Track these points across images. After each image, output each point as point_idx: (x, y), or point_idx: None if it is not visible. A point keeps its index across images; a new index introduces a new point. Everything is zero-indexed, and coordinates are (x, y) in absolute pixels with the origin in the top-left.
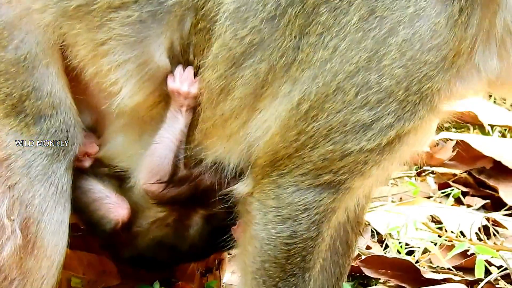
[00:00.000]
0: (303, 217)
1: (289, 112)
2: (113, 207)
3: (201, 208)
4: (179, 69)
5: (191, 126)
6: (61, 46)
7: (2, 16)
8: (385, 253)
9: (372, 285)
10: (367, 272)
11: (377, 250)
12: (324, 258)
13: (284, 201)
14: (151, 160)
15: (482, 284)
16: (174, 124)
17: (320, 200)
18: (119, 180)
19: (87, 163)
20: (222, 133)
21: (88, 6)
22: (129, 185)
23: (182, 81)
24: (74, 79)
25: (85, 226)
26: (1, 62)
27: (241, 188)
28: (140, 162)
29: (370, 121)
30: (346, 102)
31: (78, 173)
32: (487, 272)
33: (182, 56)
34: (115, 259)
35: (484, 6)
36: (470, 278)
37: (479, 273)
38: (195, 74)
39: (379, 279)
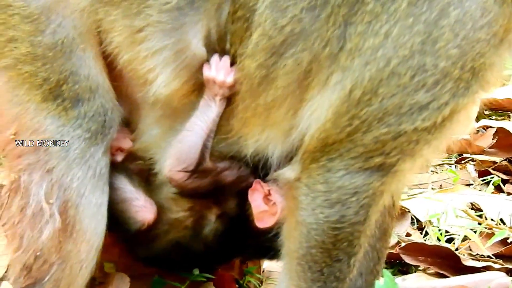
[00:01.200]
0: (353, 201)
1: (341, 100)
2: (140, 210)
3: (216, 206)
4: (215, 57)
5: (226, 116)
6: (97, 31)
7: (40, 1)
8: (424, 240)
9: (412, 272)
10: (407, 259)
11: (416, 237)
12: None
13: (333, 185)
14: (180, 147)
15: None
16: (207, 113)
17: (370, 183)
18: (147, 180)
19: (119, 157)
20: (264, 122)
21: None
22: (154, 185)
23: (218, 70)
24: (108, 66)
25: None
26: (38, 47)
27: (288, 173)
28: (168, 149)
29: (426, 102)
30: (401, 85)
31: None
32: None
33: (218, 45)
34: (131, 255)
35: None
36: (510, 266)
37: None
38: (232, 63)
39: (419, 266)
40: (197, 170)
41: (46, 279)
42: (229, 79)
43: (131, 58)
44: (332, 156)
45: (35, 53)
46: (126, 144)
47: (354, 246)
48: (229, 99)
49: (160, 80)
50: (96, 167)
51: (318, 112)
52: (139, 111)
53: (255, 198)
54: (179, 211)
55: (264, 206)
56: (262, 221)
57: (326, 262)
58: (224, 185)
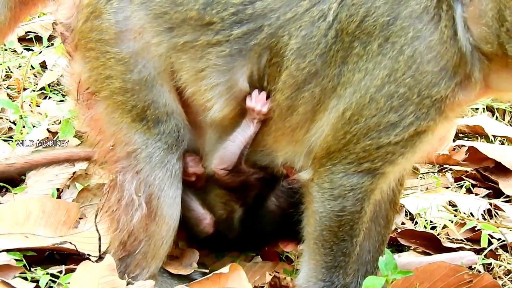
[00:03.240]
0: (350, 196)
1: (337, 119)
2: (203, 222)
3: (241, 200)
4: (255, 92)
5: (263, 134)
6: (171, 70)
7: (130, 48)
8: (415, 227)
9: (405, 251)
10: (402, 241)
11: (409, 225)
12: (369, 229)
13: (336, 184)
14: (224, 152)
15: (485, 252)
16: (246, 130)
17: (362, 182)
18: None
19: (193, 178)
20: (290, 139)
21: (192, 43)
22: (206, 189)
23: (257, 101)
24: (178, 95)
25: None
26: (128, 82)
27: (304, 175)
28: (216, 152)
29: (396, 121)
30: (378, 108)
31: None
32: (490, 243)
33: (258, 82)
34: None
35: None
36: (477, 247)
37: (483, 243)
38: (267, 97)
39: (410, 246)
40: (234, 170)
41: (137, 252)
42: (265, 109)
43: (194, 91)
44: (334, 162)
45: (126, 87)
46: (200, 170)
47: (355, 230)
48: (265, 122)
49: (215, 108)
50: (172, 169)
51: (323, 128)
52: (200, 130)
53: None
54: (219, 205)
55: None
56: (291, 172)
57: (334, 241)
58: (249, 184)
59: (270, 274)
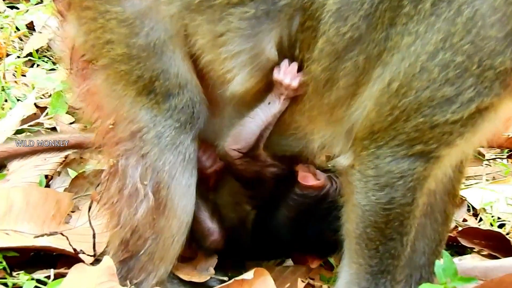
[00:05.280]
0: (400, 184)
1: (381, 91)
2: (212, 236)
3: (252, 200)
4: (285, 62)
5: (291, 114)
6: (184, 34)
7: (135, 7)
8: (479, 225)
9: (467, 254)
10: (463, 242)
11: (472, 222)
12: (423, 226)
13: (382, 170)
14: (240, 129)
15: None
16: (270, 108)
17: (414, 168)
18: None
19: (212, 178)
20: (329, 119)
21: (209, 1)
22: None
23: (286, 74)
24: (193, 62)
25: None
26: (133, 48)
27: (342, 161)
28: (231, 129)
29: (453, 95)
30: (431, 80)
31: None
32: None
33: (289, 51)
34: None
35: None
36: None
37: None
38: (299, 69)
39: (474, 248)
40: (249, 154)
41: (141, 253)
42: (295, 83)
43: (212, 59)
44: (379, 144)
45: (131, 53)
46: (219, 164)
47: (405, 226)
48: (294, 100)
49: (237, 80)
50: (186, 152)
51: (365, 103)
52: (216, 107)
53: (302, 169)
54: (230, 207)
55: (308, 174)
56: (306, 179)
57: (380, 241)
58: (263, 179)
59: (303, 281)
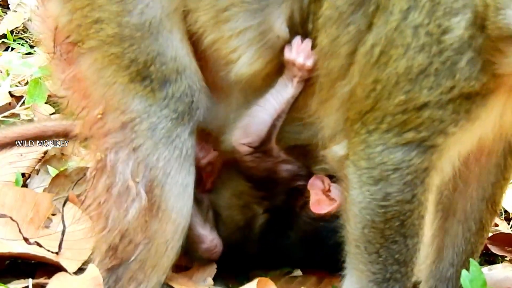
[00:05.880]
0: (395, 178)
1: (364, 58)
2: (209, 248)
3: (264, 201)
4: (297, 40)
5: (303, 99)
6: (183, 11)
7: None
8: (511, 230)
9: (498, 263)
10: (494, 249)
11: (504, 227)
12: (454, 234)
13: (374, 161)
14: (250, 120)
15: None
16: (282, 92)
17: (410, 159)
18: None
19: (208, 170)
20: (339, 101)
21: None
22: (217, 189)
23: (298, 53)
24: (192, 45)
25: None
26: (126, 27)
27: (336, 150)
28: (238, 121)
29: (427, 65)
30: (405, 45)
31: None
32: None
33: (301, 27)
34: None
35: None
36: None
37: None
38: (313, 46)
39: (505, 256)
40: (261, 148)
41: (131, 260)
42: (309, 63)
43: (215, 38)
44: (370, 129)
45: (122, 34)
46: (214, 155)
47: (407, 227)
48: (308, 82)
49: (243, 60)
50: (182, 147)
51: (353, 75)
52: (220, 92)
53: (315, 187)
54: (236, 209)
55: (322, 196)
56: (318, 207)
57: (381, 244)
58: (278, 178)
59: None
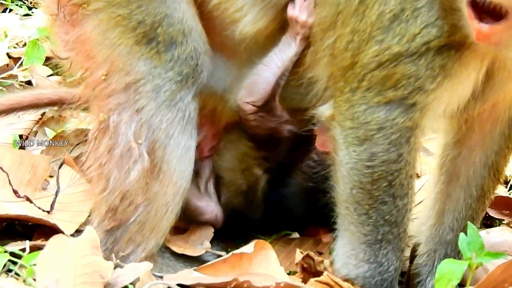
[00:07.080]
0: (379, 137)
1: (346, 6)
2: (209, 216)
3: (265, 162)
4: None
5: (303, 57)
6: None
7: None
8: (509, 194)
9: (495, 226)
10: (491, 212)
11: (501, 191)
12: (456, 199)
13: (358, 121)
14: (254, 80)
15: None
16: (285, 51)
17: (393, 119)
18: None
19: (209, 153)
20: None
21: None
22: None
23: (301, 10)
24: (198, 7)
25: None
26: None
27: (323, 109)
28: (243, 80)
29: (403, 16)
30: None
31: None
32: None
33: None
34: None
35: None
36: None
37: None
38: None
39: (503, 220)
40: (265, 107)
41: (131, 221)
42: (311, 19)
43: (220, 0)
44: (352, 87)
45: None
46: (214, 141)
47: (395, 187)
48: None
49: (247, 19)
50: (186, 110)
51: (337, 26)
52: (225, 51)
53: (321, 131)
54: (239, 173)
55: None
56: (324, 145)
57: (369, 205)
58: (279, 138)
59: (301, 253)
